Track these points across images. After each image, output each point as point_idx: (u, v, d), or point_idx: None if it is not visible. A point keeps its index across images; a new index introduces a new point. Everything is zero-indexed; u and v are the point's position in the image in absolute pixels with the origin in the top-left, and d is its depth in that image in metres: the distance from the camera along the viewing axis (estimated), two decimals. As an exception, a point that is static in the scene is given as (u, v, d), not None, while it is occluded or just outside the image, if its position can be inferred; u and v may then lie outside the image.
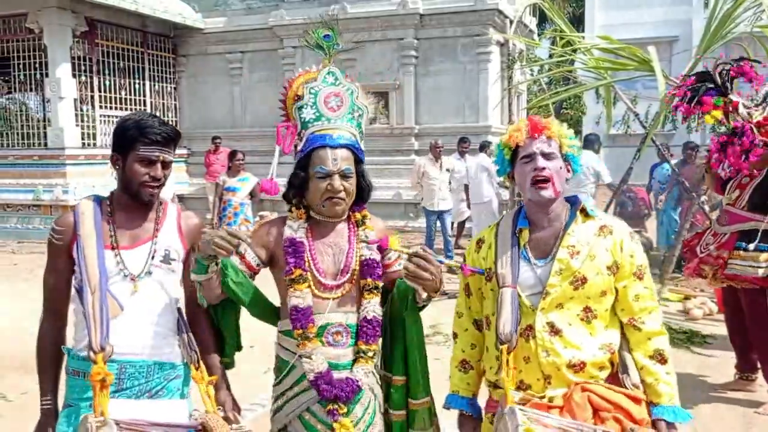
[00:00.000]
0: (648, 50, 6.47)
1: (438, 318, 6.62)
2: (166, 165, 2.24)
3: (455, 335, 2.41)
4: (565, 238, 2.15)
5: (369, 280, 2.29)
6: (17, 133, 13.36)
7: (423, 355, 2.39)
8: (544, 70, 12.35)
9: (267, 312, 2.39)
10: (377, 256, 2.33)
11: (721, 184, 4.78)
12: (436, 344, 6.03)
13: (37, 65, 12.76)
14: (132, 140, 2.18)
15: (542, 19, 12.92)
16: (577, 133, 26.82)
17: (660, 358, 2.15)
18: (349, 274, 2.29)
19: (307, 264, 2.25)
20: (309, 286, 2.23)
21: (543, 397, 2.11)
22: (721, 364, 5.44)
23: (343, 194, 2.25)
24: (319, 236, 2.31)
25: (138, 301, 2.19)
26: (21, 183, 12.66)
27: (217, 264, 2.16)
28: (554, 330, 2.12)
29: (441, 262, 2.07)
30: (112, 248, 2.19)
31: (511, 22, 11.82)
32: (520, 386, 2.15)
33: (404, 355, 2.36)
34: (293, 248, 2.25)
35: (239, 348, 2.49)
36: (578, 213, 2.20)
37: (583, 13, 24.48)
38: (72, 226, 2.20)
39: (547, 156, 2.16)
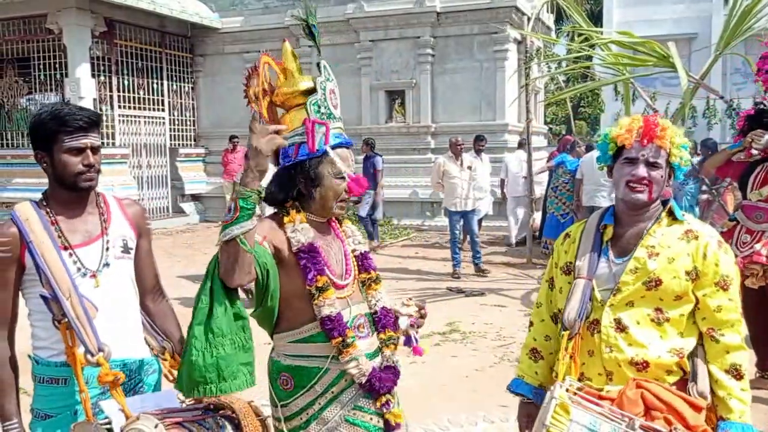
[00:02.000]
0: (668, 46, 6.41)
1: (454, 316, 6.63)
2: (95, 150, 2.13)
3: (531, 324, 2.41)
4: (646, 238, 2.13)
5: (372, 272, 2.31)
6: (38, 133, 13.50)
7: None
8: (562, 66, 12.29)
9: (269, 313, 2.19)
10: (366, 248, 2.37)
11: (740, 174, 4.73)
12: (453, 342, 6.02)
13: (56, 66, 12.91)
14: (53, 132, 2.08)
15: (559, 16, 12.82)
16: (595, 131, 26.66)
17: (736, 373, 2.08)
18: (353, 272, 2.28)
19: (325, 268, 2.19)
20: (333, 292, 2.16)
21: (601, 390, 2.10)
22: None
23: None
24: (320, 238, 2.22)
25: (102, 296, 2.12)
26: (42, 182, 12.71)
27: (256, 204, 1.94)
28: (620, 327, 2.10)
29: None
30: (66, 248, 2.10)
31: (529, 19, 11.76)
32: (581, 379, 2.15)
33: None
34: (311, 254, 2.12)
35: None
36: (664, 215, 2.16)
37: (600, 11, 24.33)
38: (17, 235, 2.06)
39: (651, 165, 2.10)
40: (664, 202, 2.20)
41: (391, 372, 2.22)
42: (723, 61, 18.93)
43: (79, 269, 2.11)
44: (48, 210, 2.15)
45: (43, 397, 2.14)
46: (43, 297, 2.04)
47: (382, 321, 2.27)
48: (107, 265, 2.16)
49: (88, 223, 2.18)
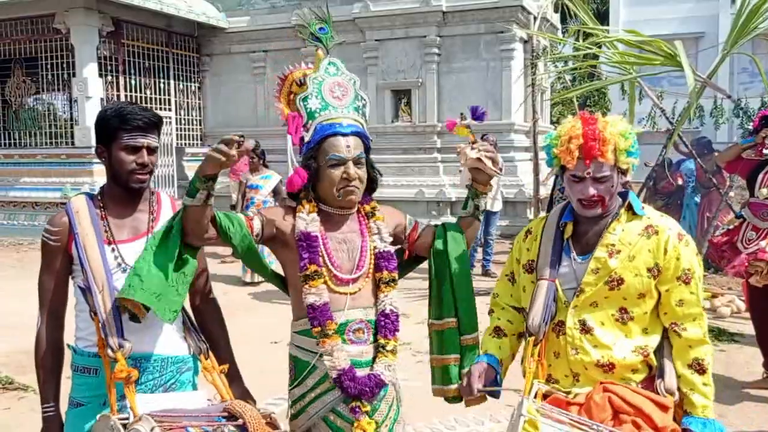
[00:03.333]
0: (675, 45, 6.39)
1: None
2: (151, 151, 2.19)
3: (491, 311, 2.37)
4: (606, 236, 2.09)
5: (385, 273, 2.25)
6: (45, 133, 13.59)
7: (471, 290, 2.37)
8: (568, 65, 12.26)
9: (262, 267, 2.31)
10: (391, 248, 2.31)
11: (748, 172, 4.73)
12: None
13: (64, 65, 12.95)
14: (114, 129, 2.14)
15: (565, 15, 12.80)
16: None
17: (698, 367, 2.07)
18: (365, 269, 2.25)
19: (322, 259, 2.19)
20: (325, 282, 2.18)
21: (569, 392, 2.09)
22: (749, 363, 5.37)
23: (357, 182, 2.21)
24: (332, 230, 2.25)
25: None
26: (49, 182, 12.86)
27: (208, 189, 2.05)
28: (585, 328, 2.09)
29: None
30: (109, 243, 2.16)
31: (535, 18, 11.74)
32: (549, 380, 2.13)
33: (452, 293, 2.33)
34: (307, 242, 2.18)
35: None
36: (623, 211, 2.13)
37: (607, 10, 24.26)
38: (67, 226, 2.15)
39: (599, 180, 2.04)
40: (623, 195, 2.15)
41: (369, 379, 2.17)
42: (730, 61, 18.84)
43: (119, 264, 2.15)
44: (101, 204, 2.21)
45: (77, 386, 2.21)
46: (81, 288, 2.13)
47: (381, 325, 2.24)
48: None
49: (136, 219, 2.23)
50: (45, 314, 2.20)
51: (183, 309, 2.30)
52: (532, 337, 2.10)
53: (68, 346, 2.24)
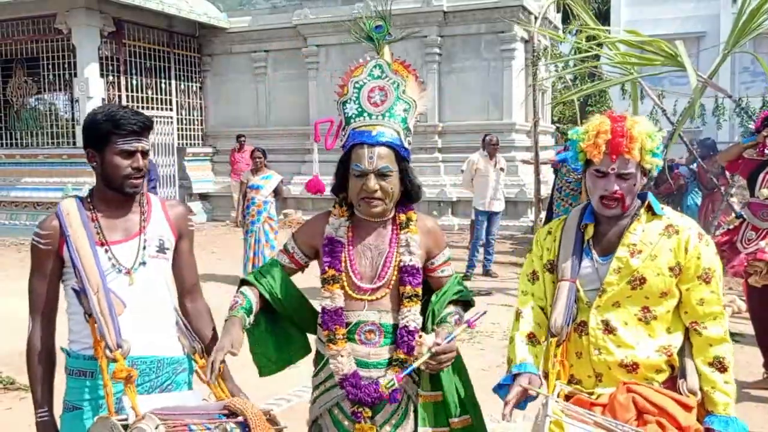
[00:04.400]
0: (676, 45, 6.39)
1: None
2: (144, 154, 2.18)
3: (519, 313, 2.29)
4: (626, 236, 2.10)
5: (408, 288, 2.21)
6: (46, 133, 13.60)
7: (461, 368, 2.29)
8: (569, 66, 12.26)
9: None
10: (418, 263, 2.25)
11: (749, 172, 4.73)
12: (459, 341, 5.98)
13: (65, 65, 12.97)
14: (107, 134, 2.11)
15: (566, 15, 12.80)
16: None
17: (719, 365, 2.07)
18: (386, 279, 2.22)
19: (343, 265, 2.21)
20: (342, 287, 2.19)
21: (592, 393, 2.09)
22: (750, 363, 5.36)
23: (379, 194, 2.15)
24: (360, 236, 2.24)
25: (136, 294, 2.16)
26: (51, 181, 12.87)
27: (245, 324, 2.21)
28: (608, 328, 2.09)
29: (451, 337, 2.11)
30: (102, 244, 2.15)
31: (536, 18, 11.74)
32: (571, 381, 2.13)
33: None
34: (330, 247, 2.22)
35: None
36: (643, 211, 2.13)
37: (608, 10, 24.25)
38: (58, 229, 2.14)
39: (622, 176, 2.05)
40: (642, 196, 2.16)
41: (374, 390, 2.15)
42: (732, 60, 18.84)
43: (114, 266, 2.15)
44: (91, 206, 2.20)
45: (72, 389, 2.18)
46: (75, 290, 2.11)
47: (399, 340, 2.22)
48: (143, 263, 2.19)
49: (128, 221, 2.22)
50: (37, 319, 2.18)
51: (175, 309, 2.31)
52: (555, 338, 2.10)
53: (62, 349, 2.22)
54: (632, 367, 2.07)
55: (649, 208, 2.14)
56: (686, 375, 2.09)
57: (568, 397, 2.09)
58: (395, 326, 2.24)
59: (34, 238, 2.17)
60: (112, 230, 2.19)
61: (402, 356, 2.20)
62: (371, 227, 2.26)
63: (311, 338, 2.43)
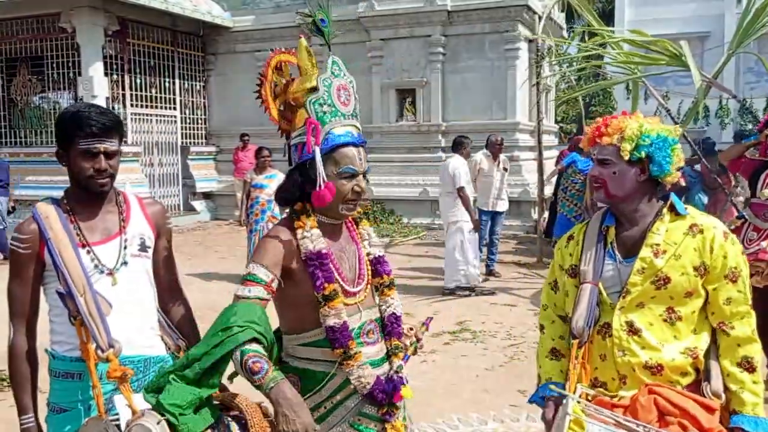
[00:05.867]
0: (680, 45, 6.38)
1: (464, 315, 6.61)
2: (110, 155, 2.12)
3: (542, 327, 2.35)
4: (649, 236, 2.09)
5: (385, 277, 2.26)
6: (50, 132, 13.60)
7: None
8: (573, 65, 12.25)
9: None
10: (383, 251, 2.33)
11: (750, 171, 4.72)
12: (463, 341, 6.01)
13: (69, 64, 13.00)
14: (71, 134, 2.08)
15: (570, 15, 12.79)
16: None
17: (747, 365, 2.05)
18: (365, 276, 2.24)
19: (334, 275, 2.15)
20: (341, 300, 2.13)
21: (615, 396, 2.08)
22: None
23: (363, 194, 2.19)
24: (332, 242, 2.19)
25: (119, 294, 2.14)
26: (55, 180, 12.88)
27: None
28: (632, 329, 2.08)
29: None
30: (83, 246, 2.12)
31: (540, 18, 11.73)
32: (595, 384, 2.12)
33: None
34: (319, 261, 2.09)
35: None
36: (666, 211, 2.13)
37: (612, 9, 24.23)
38: (37, 233, 2.10)
39: (600, 162, 2.13)
40: (665, 198, 2.17)
41: (395, 384, 2.16)
42: (736, 60, 18.80)
43: (96, 266, 2.13)
44: (68, 208, 2.17)
45: (58, 391, 2.16)
46: (60, 293, 2.07)
47: (389, 329, 2.25)
48: (125, 263, 2.17)
49: (106, 221, 2.20)
50: (18, 323, 2.15)
51: (158, 310, 2.30)
52: (576, 341, 2.10)
53: (45, 351, 2.19)
54: (657, 369, 2.05)
55: (672, 209, 2.14)
56: (710, 378, 2.07)
57: (589, 399, 2.08)
58: (382, 319, 2.27)
59: (12, 242, 2.13)
60: (92, 231, 2.16)
61: (397, 343, 2.25)
62: (337, 230, 2.22)
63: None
